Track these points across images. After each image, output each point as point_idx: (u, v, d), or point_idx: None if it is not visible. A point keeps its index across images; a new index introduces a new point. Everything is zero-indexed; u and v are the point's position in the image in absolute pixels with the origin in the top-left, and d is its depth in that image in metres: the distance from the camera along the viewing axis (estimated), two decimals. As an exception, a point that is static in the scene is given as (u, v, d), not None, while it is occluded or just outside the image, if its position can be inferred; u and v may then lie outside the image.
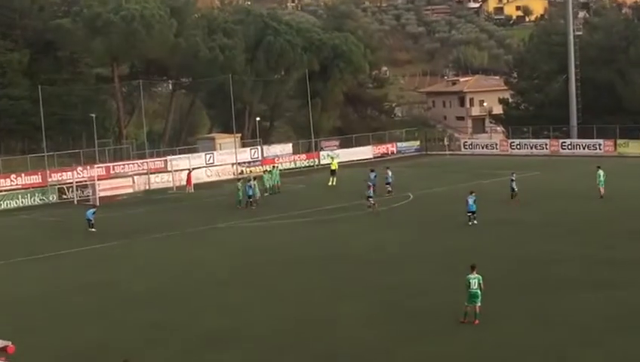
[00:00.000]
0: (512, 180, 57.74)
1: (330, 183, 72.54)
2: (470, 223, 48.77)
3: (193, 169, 77.96)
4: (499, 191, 61.08)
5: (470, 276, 30.02)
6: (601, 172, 57.55)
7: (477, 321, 29.65)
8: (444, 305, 32.23)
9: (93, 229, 54.03)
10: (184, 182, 75.24)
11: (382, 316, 31.74)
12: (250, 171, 79.97)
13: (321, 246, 46.28)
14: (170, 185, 76.90)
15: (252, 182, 62.77)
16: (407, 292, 34.87)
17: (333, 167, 74.46)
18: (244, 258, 44.17)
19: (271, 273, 40.20)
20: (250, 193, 61.28)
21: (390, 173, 64.94)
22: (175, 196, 72.13)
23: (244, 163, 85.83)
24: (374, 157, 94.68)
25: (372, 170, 65.87)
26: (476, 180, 69.30)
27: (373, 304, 33.43)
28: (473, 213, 49.02)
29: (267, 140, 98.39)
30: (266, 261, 43.04)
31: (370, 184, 58.81)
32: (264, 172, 73.01)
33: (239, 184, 62.72)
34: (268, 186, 68.41)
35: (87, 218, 54.75)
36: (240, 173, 79.10)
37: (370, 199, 56.67)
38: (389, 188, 63.92)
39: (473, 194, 49.75)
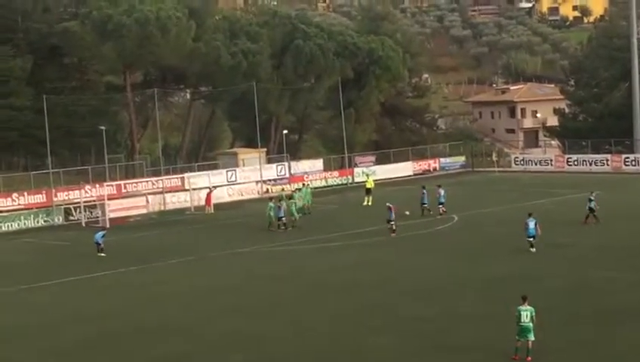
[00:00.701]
0: (591, 200, 57.17)
1: (365, 203, 72.44)
2: (534, 249, 47.88)
3: (214, 188, 78.06)
4: (555, 211, 60.67)
5: (521, 308, 29.76)
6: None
7: (529, 358, 29.35)
8: (491, 339, 31.95)
9: (102, 254, 54.20)
10: (203, 202, 75.37)
11: (418, 351, 31.49)
12: (283, 190, 79.83)
13: (352, 272, 46.15)
14: (188, 205, 77.02)
15: (282, 202, 62.75)
16: (448, 325, 34.61)
17: (368, 186, 74.35)
18: (266, 285, 44.11)
19: (295, 302, 40.13)
20: (281, 214, 61.18)
21: (443, 192, 64.69)
22: (193, 217, 72.22)
23: (270, 180, 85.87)
24: (414, 175, 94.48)
25: (423, 187, 66.02)
26: (529, 200, 68.83)
27: (408, 337, 33.18)
28: (533, 237, 48.27)
29: (295, 155, 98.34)
30: (290, 289, 43.00)
31: (390, 206, 58.26)
32: (294, 191, 72.90)
33: (271, 204, 62.44)
34: (296, 207, 67.97)
35: (95, 241, 54.93)
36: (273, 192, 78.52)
37: (392, 223, 56.47)
38: (443, 209, 63.65)
39: (532, 216, 48.93)
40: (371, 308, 38.03)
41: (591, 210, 56.79)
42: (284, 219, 61.36)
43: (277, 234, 59.32)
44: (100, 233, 55.84)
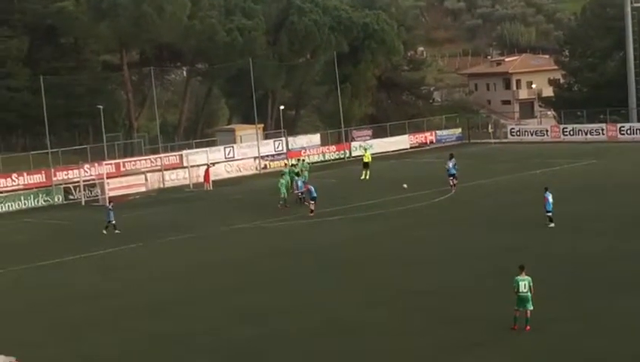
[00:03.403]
0: None
1: (362, 177, 72.40)
2: (553, 224, 46.61)
3: (212, 164, 78.02)
4: (554, 181, 60.73)
5: (519, 278, 29.85)
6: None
7: (528, 327, 29.49)
8: (491, 310, 32.09)
9: (117, 231, 54.28)
10: (202, 179, 75.36)
11: (419, 324, 31.61)
12: (292, 165, 78.15)
13: (351, 246, 46.32)
14: (187, 182, 77.04)
15: (300, 176, 62.92)
16: (448, 297, 34.76)
17: (366, 160, 74.25)
18: (265, 262, 44.20)
19: (295, 277, 40.26)
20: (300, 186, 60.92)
21: (451, 164, 63.39)
22: (192, 195, 72.26)
23: (268, 156, 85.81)
24: (411, 148, 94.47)
25: (452, 156, 64.83)
26: (527, 171, 68.97)
27: (409, 310, 33.33)
28: (551, 212, 46.91)
29: (292, 131, 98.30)
30: (290, 264, 43.16)
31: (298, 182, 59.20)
32: (291, 165, 72.53)
33: (283, 179, 61.65)
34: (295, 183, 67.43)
35: (108, 220, 54.85)
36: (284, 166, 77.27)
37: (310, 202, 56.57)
38: (454, 180, 62.76)
39: (549, 190, 47.24)
40: (372, 283, 38.10)
41: None
42: (299, 193, 61.16)
43: (276, 210, 59.27)
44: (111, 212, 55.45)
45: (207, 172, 75.36)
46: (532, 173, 67.47)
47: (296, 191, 61.66)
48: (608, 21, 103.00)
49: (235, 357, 29.49)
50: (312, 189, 57.11)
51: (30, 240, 56.66)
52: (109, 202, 57.90)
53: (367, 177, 72.14)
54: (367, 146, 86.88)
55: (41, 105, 76.64)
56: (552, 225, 46.75)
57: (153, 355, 30.38)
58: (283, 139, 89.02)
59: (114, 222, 54.62)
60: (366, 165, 73.41)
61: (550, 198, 47.06)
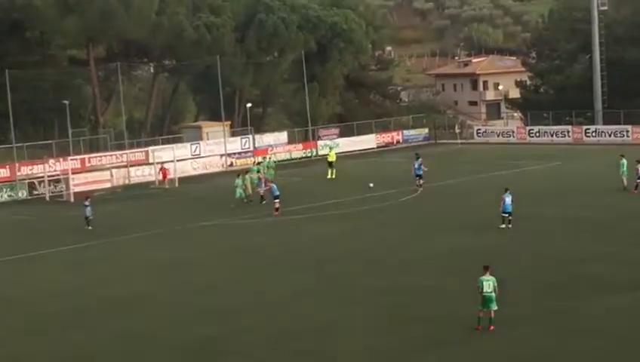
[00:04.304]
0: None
1: (329, 176, 72.36)
2: (504, 226, 46.78)
3: (164, 163, 77.20)
4: (517, 183, 61.01)
5: (483, 278, 29.92)
6: (624, 161, 57.67)
7: (492, 327, 29.58)
8: (455, 310, 32.17)
9: (89, 227, 53.87)
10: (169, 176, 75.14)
11: (384, 323, 31.61)
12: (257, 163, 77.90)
13: (316, 246, 46.27)
14: (153, 178, 76.66)
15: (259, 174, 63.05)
16: (412, 297, 34.78)
17: (330, 159, 74.21)
18: (231, 259, 44.13)
19: (261, 276, 40.11)
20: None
21: (417, 164, 63.65)
22: (157, 191, 71.99)
23: (234, 154, 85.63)
24: (378, 147, 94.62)
25: (418, 156, 65.03)
26: (492, 172, 69.25)
27: (374, 310, 33.32)
28: (509, 214, 47.13)
29: (259, 129, 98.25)
30: (256, 263, 43.02)
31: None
32: (256, 163, 72.42)
33: (239, 179, 61.75)
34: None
35: (85, 216, 54.32)
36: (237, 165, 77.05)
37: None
38: (420, 181, 62.96)
39: (509, 191, 47.61)
40: (335, 281, 38.13)
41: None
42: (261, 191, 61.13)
43: (242, 208, 59.17)
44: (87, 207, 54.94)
45: (162, 169, 74.68)
46: (497, 173, 67.71)
47: (258, 189, 61.53)
48: (575, 24, 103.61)
49: (200, 355, 29.38)
50: (274, 187, 57.01)
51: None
52: (86, 198, 56.85)
53: (334, 176, 72.10)
54: (334, 145, 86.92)
55: (6, 100, 76.21)
56: (503, 226, 46.84)
57: (119, 352, 30.20)
58: (250, 136, 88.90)
59: (91, 217, 54.16)
60: (330, 164, 73.40)
61: (508, 200, 47.18)
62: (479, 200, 55.43)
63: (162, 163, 76.82)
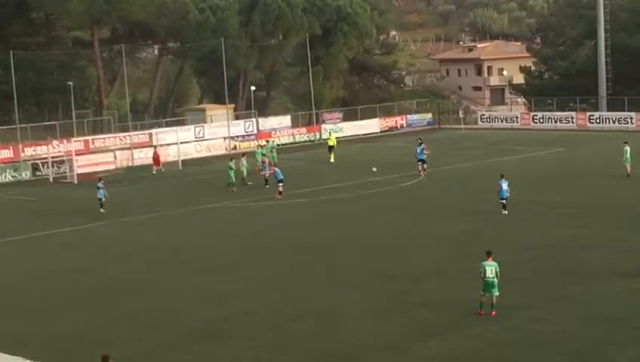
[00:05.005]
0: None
1: (332, 160, 72.31)
2: (506, 212, 46.70)
3: (158, 146, 76.89)
4: (520, 168, 61.04)
5: (485, 263, 29.92)
6: (627, 148, 57.55)
7: (494, 312, 29.60)
8: (457, 295, 32.18)
9: (102, 210, 53.68)
10: (170, 158, 74.96)
11: (386, 308, 31.60)
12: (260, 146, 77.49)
13: (319, 229, 46.23)
14: (156, 160, 76.62)
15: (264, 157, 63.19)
16: (415, 282, 34.79)
17: (331, 143, 74.24)
18: (234, 242, 44.13)
19: (264, 259, 40.13)
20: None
21: (419, 149, 62.92)
22: (161, 174, 71.93)
23: (238, 137, 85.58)
24: (381, 132, 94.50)
25: (420, 141, 64.31)
26: (495, 157, 69.20)
27: (376, 295, 33.31)
28: (506, 199, 47.15)
29: (263, 112, 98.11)
30: (258, 246, 43.02)
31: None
32: (260, 146, 72.31)
33: (232, 163, 61.63)
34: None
35: (99, 197, 54.13)
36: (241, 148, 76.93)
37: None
38: (423, 166, 62.44)
39: (505, 178, 47.72)
40: (336, 265, 38.15)
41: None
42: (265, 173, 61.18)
43: (245, 190, 59.20)
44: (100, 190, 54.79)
45: (155, 154, 74.41)
46: (500, 159, 67.64)
47: (262, 173, 61.56)
48: (580, 10, 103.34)
49: (204, 337, 29.40)
50: (278, 171, 57.01)
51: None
52: (99, 179, 56.21)
53: (333, 160, 71.98)
54: (337, 129, 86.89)
55: (11, 81, 76.10)
56: (505, 212, 46.82)
57: (120, 333, 30.23)
58: (253, 120, 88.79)
59: (104, 200, 53.96)
60: (331, 148, 73.36)
61: (505, 186, 47.25)
62: (481, 186, 55.30)
63: (155, 147, 76.45)
